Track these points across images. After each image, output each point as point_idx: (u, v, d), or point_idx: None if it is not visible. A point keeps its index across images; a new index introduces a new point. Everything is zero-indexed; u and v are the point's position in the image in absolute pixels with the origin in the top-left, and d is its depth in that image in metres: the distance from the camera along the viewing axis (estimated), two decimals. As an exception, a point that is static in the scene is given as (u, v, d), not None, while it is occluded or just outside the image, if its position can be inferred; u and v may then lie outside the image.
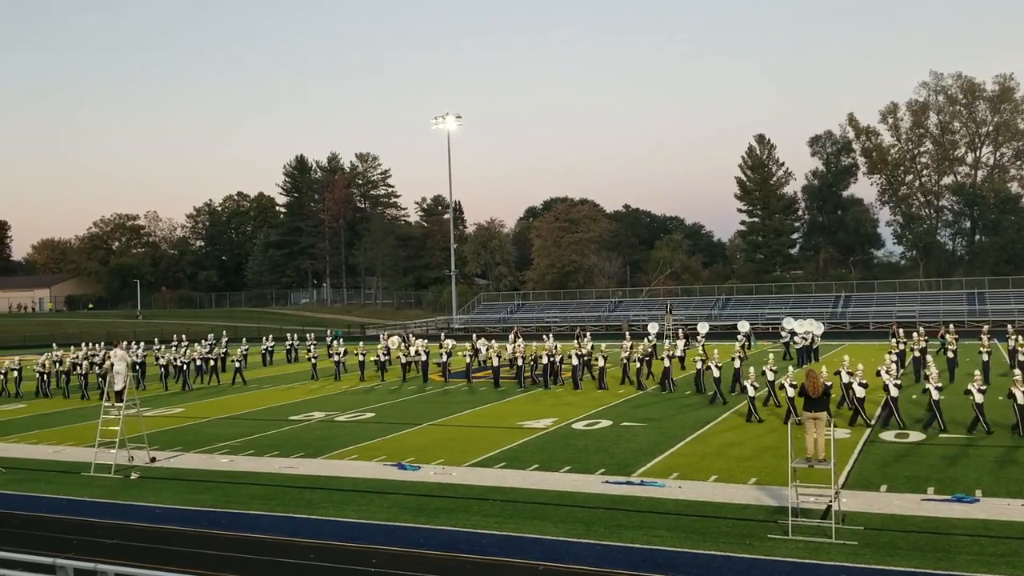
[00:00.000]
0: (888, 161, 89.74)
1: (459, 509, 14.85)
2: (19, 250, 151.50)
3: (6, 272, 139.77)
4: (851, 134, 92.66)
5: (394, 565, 12.09)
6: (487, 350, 35.58)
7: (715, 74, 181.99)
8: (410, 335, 47.27)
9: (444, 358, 35.45)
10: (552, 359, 32.29)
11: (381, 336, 46.33)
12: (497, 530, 13.55)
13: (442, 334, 48.68)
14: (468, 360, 35.29)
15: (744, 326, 41.78)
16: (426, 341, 39.43)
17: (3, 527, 14.85)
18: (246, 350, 40.25)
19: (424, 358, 35.85)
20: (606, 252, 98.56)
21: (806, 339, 35.48)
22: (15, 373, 36.43)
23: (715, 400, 26.42)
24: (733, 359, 28.73)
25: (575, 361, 32.11)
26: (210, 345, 42.11)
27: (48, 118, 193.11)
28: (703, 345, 36.31)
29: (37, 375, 35.91)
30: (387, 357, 37.53)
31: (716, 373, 26.66)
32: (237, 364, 37.36)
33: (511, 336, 41.51)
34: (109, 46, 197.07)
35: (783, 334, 40.20)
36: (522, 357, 32.86)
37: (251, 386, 36.11)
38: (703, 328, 40.38)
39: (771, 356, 26.41)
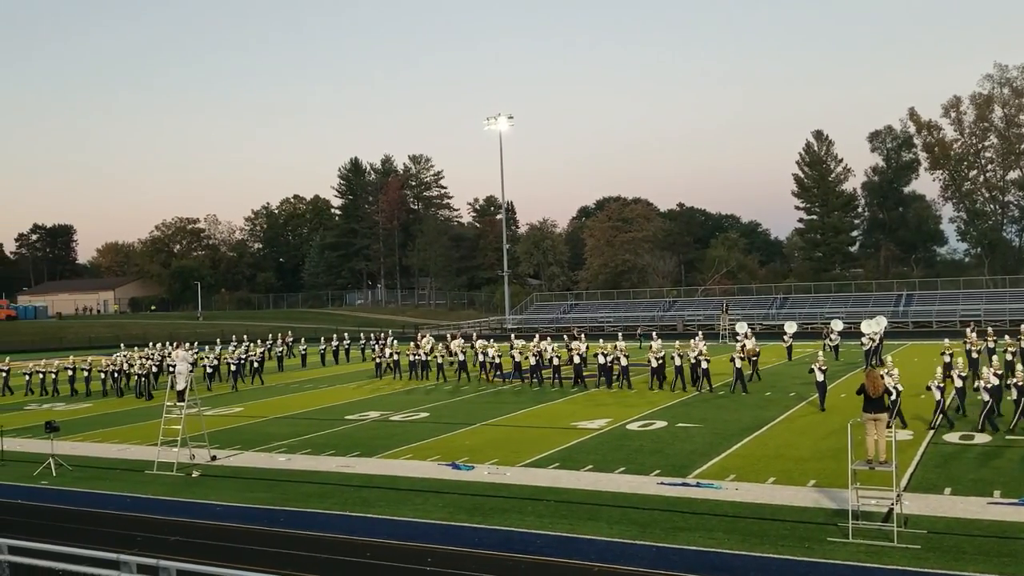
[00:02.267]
0: (951, 156, 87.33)
1: (513, 509, 14.85)
2: (84, 254, 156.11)
3: (72, 275, 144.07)
4: (912, 129, 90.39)
5: (449, 564, 12.14)
6: (552, 349, 35.52)
7: (772, 69, 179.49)
8: (448, 335, 47.73)
9: (480, 358, 35.86)
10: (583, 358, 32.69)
11: (419, 336, 47.02)
12: (551, 530, 13.52)
13: (474, 334, 48.88)
14: (519, 360, 35.26)
15: (791, 327, 40.94)
16: (462, 342, 39.92)
17: (70, 523, 15.28)
18: (265, 350, 41.43)
19: (462, 358, 36.21)
20: (660, 251, 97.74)
21: (873, 339, 34.50)
22: (84, 372, 37.61)
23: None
24: (733, 359, 29.29)
25: (624, 362, 31.81)
26: (245, 346, 43.09)
27: (112, 125, 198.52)
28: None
29: (107, 374, 37.03)
30: (419, 357, 38.04)
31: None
32: (256, 364, 38.08)
33: (567, 336, 41.60)
34: (170, 53, 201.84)
35: (832, 336, 39.36)
36: (580, 356, 32.72)
37: (307, 385, 36.65)
38: (741, 328, 39.84)
39: (820, 356, 25.91)
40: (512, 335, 43.96)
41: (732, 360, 29.76)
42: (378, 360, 39.92)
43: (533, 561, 12.16)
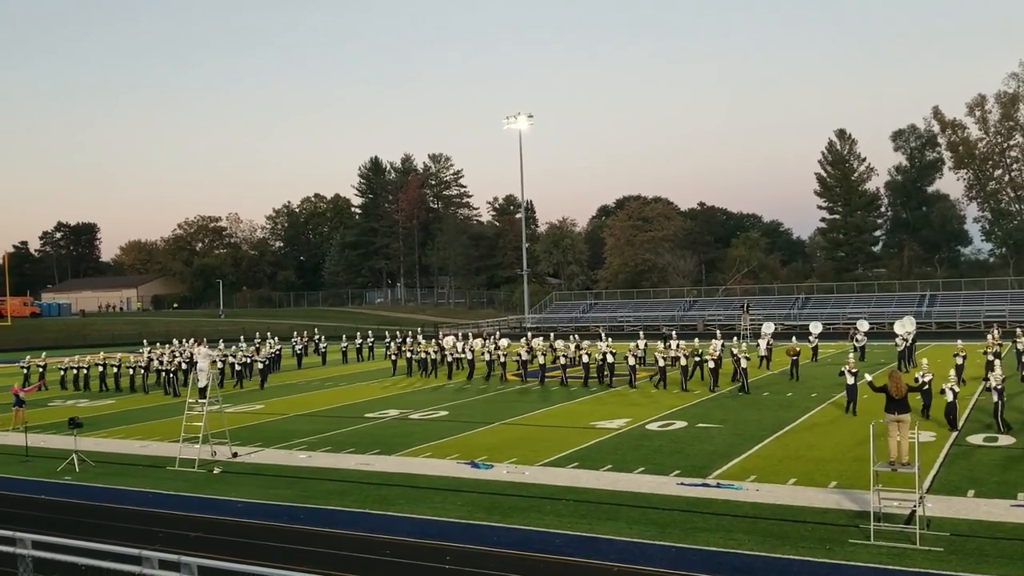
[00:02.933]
0: (975, 155, 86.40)
1: (532, 508, 14.84)
2: (108, 252, 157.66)
3: (96, 273, 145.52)
4: (936, 128, 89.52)
5: (468, 563, 12.14)
6: (575, 348, 35.54)
7: (793, 67, 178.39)
8: (460, 333, 47.92)
9: (501, 357, 35.94)
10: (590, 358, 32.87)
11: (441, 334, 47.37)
12: (571, 530, 13.50)
13: (497, 332, 48.98)
14: (541, 359, 35.29)
15: (816, 327, 40.66)
16: (481, 341, 40.24)
17: (92, 518, 15.43)
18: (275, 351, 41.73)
19: (470, 356, 36.61)
20: (681, 251, 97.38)
21: (906, 340, 34.09)
22: (114, 369, 38.37)
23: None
24: (738, 359, 29.48)
25: (632, 361, 31.75)
26: (271, 344, 43.80)
27: (135, 124, 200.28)
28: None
29: (135, 371, 37.70)
30: (435, 355, 38.73)
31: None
32: (261, 365, 38.15)
33: (602, 335, 41.65)
34: (193, 52, 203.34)
35: (859, 337, 39.01)
36: (613, 354, 32.70)
37: (328, 383, 36.83)
38: (768, 328, 39.67)
39: (851, 358, 25.69)
40: (528, 334, 44.27)
41: (736, 360, 29.78)
42: (394, 358, 40.49)
43: (552, 560, 12.14)
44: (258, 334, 50.61)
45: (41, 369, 39.46)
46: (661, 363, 30.97)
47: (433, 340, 41.94)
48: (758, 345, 36.98)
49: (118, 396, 35.35)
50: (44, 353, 42.71)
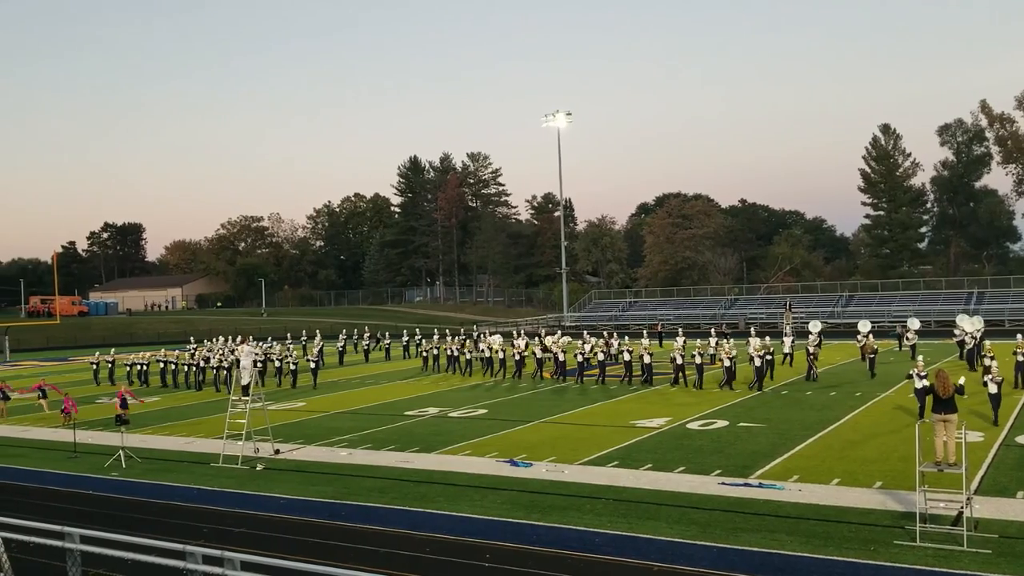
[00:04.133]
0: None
1: (571, 507, 14.81)
2: (153, 252, 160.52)
3: (142, 272, 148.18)
4: (984, 122, 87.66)
5: (508, 561, 12.15)
6: (617, 346, 35.50)
7: (836, 61, 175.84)
8: (484, 332, 47.93)
9: (539, 355, 35.97)
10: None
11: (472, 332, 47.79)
12: (610, 529, 13.45)
13: (543, 331, 48.97)
14: (579, 358, 35.23)
15: (864, 325, 39.94)
16: (501, 339, 40.37)
17: (138, 514, 15.70)
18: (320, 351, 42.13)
19: (501, 356, 36.74)
20: (721, 248, 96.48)
21: (975, 338, 33.21)
22: (172, 366, 39.50)
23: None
24: (752, 357, 29.52)
25: (678, 360, 31.49)
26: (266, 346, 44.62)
27: (178, 126, 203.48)
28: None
29: (188, 368, 38.67)
30: (457, 353, 39.27)
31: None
32: (313, 364, 38.16)
33: (646, 332, 41.60)
34: (235, 52, 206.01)
35: (909, 336, 38.29)
36: (650, 354, 32.51)
37: (368, 381, 37.09)
38: (815, 327, 39.13)
39: (920, 360, 24.25)
40: (542, 332, 44.61)
41: (751, 359, 29.69)
42: (424, 355, 41.84)
43: (592, 559, 12.11)
44: (305, 332, 51.61)
45: (110, 364, 41.26)
46: (679, 361, 31.07)
47: (462, 338, 42.19)
48: (782, 343, 36.53)
49: (173, 392, 36.10)
50: (113, 350, 44.51)
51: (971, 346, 33.05)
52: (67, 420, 25.11)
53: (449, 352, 39.95)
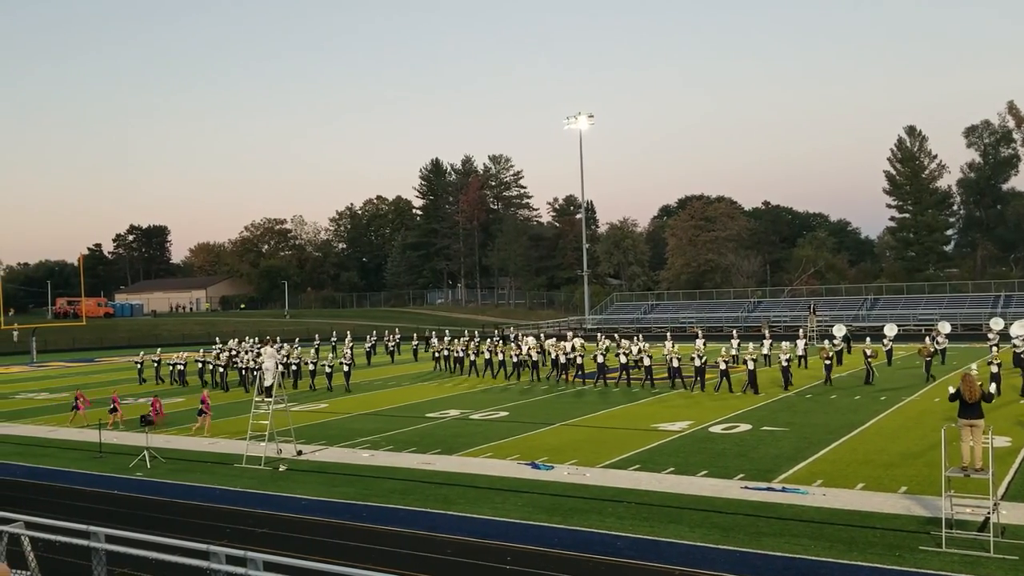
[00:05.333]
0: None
1: (593, 510, 14.77)
2: (178, 254, 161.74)
3: (166, 274, 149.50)
4: (1011, 123, 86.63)
5: (528, 564, 12.13)
6: (638, 351, 35.27)
7: (861, 62, 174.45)
8: (520, 335, 47.94)
9: (561, 358, 35.84)
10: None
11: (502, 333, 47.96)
12: (632, 532, 13.39)
13: (569, 333, 48.93)
14: (600, 361, 35.10)
15: (891, 329, 39.50)
16: (534, 340, 40.45)
17: (162, 513, 15.83)
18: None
19: (535, 358, 36.72)
20: (745, 251, 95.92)
21: None
22: (210, 365, 40.15)
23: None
24: (746, 360, 29.70)
25: (696, 363, 31.30)
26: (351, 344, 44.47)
27: (202, 129, 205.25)
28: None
29: (215, 368, 39.29)
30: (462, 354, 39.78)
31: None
32: (346, 368, 37.85)
33: (669, 335, 41.46)
34: (257, 55, 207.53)
35: (939, 340, 37.82)
36: (678, 358, 32.37)
37: (391, 383, 37.19)
38: (839, 331, 38.74)
39: (974, 368, 23.83)
40: (542, 334, 44.78)
41: (744, 361, 29.76)
42: (436, 355, 42.98)
43: (613, 563, 12.06)
44: (335, 334, 52.11)
45: (155, 364, 42.38)
46: (723, 366, 30.60)
47: (496, 339, 42.33)
48: (795, 345, 36.24)
49: (184, 394, 36.30)
50: (159, 350, 45.69)
51: (1022, 349, 32.49)
52: (113, 420, 25.71)
53: (457, 354, 40.34)
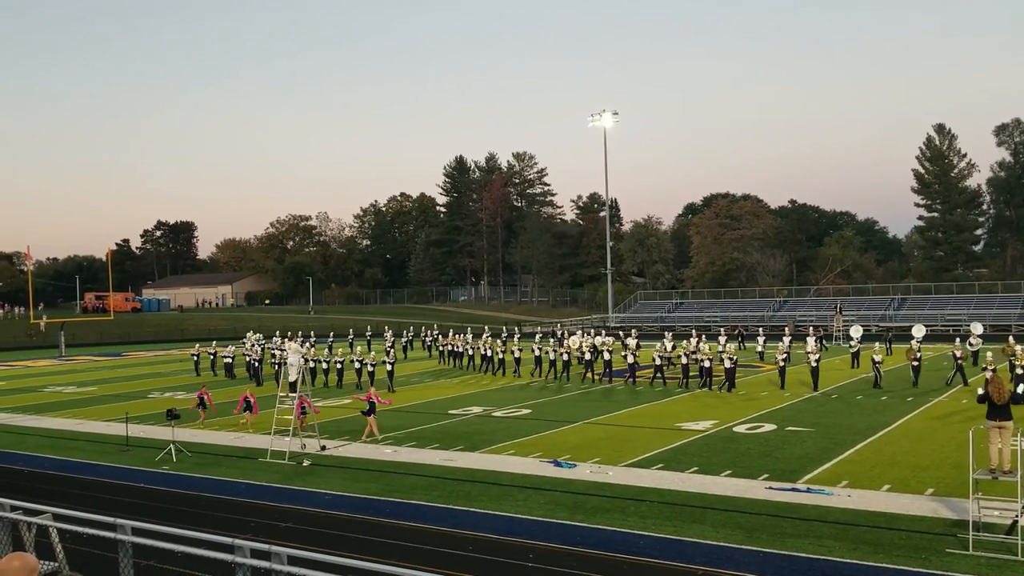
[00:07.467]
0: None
1: (615, 509, 14.73)
2: (204, 250, 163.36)
3: (193, 270, 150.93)
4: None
5: (551, 562, 12.12)
6: (668, 348, 35.13)
7: (889, 60, 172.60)
8: (565, 332, 47.73)
9: (587, 356, 35.76)
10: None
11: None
12: (655, 532, 13.34)
13: (602, 332, 48.84)
14: (630, 359, 34.87)
15: (919, 330, 38.89)
16: (579, 339, 40.02)
17: (188, 507, 15.98)
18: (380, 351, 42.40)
19: (588, 357, 36.24)
20: (770, 249, 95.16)
21: None
22: (245, 358, 40.57)
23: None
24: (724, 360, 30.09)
25: (726, 364, 31.09)
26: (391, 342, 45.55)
27: (229, 127, 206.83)
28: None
29: (248, 362, 39.78)
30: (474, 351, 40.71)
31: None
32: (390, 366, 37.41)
33: (694, 334, 41.24)
34: (278, 53, 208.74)
35: (972, 341, 37.23)
36: (709, 358, 32.16)
37: (414, 379, 37.26)
38: (856, 332, 38.28)
39: (990, 355, 23.75)
40: (565, 331, 44.82)
41: (721, 361, 30.53)
42: (441, 349, 44.38)
43: (635, 562, 12.02)
44: (369, 330, 53.32)
45: (212, 356, 43.24)
46: (706, 363, 31.33)
47: (483, 338, 42.59)
48: (819, 344, 35.88)
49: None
50: (214, 342, 46.52)
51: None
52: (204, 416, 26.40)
53: (482, 351, 40.33)
